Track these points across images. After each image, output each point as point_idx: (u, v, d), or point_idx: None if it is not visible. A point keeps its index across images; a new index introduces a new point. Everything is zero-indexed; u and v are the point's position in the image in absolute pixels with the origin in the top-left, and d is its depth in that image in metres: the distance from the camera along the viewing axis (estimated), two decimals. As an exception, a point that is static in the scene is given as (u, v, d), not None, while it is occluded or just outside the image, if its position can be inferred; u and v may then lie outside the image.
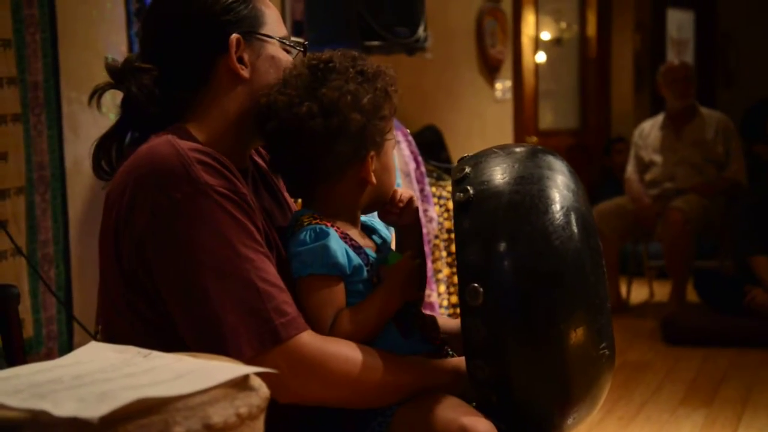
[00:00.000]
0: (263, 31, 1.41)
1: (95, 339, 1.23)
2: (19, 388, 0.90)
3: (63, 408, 0.83)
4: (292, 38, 1.47)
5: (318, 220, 1.36)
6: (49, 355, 2.86)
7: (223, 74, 1.38)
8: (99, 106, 1.41)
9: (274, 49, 1.42)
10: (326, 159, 1.36)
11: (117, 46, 3.15)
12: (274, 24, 1.43)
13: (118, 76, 1.39)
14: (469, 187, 1.31)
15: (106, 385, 0.90)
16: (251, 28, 1.39)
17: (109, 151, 1.42)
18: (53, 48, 2.98)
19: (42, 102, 2.95)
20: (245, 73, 1.38)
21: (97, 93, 1.41)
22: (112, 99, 1.49)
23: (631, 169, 5.23)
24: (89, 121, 3.06)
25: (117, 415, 0.83)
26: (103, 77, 1.44)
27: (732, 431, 3.10)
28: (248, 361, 1.19)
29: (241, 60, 1.38)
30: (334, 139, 1.34)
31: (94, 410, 0.82)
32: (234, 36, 1.37)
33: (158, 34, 1.41)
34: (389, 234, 1.50)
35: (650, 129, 5.23)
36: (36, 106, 2.93)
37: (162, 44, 1.40)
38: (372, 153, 1.38)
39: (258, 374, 0.99)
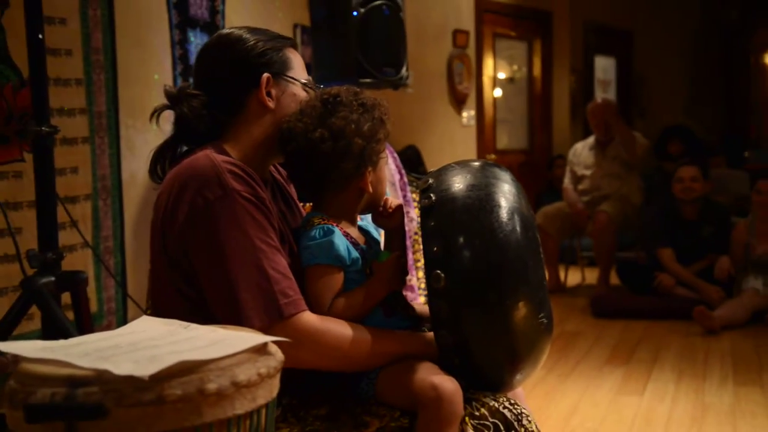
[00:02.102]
0: (290, 74, 1.41)
1: (146, 314, 1.22)
2: (87, 352, 0.90)
3: (121, 368, 0.83)
4: (312, 82, 1.46)
5: (326, 221, 1.35)
6: (109, 326, 2.85)
7: (254, 104, 1.38)
8: (158, 122, 1.40)
9: (296, 89, 1.42)
10: (334, 173, 1.35)
11: (164, 83, 3.14)
12: (298, 69, 1.43)
13: (174, 99, 1.39)
14: (432, 195, 1.31)
15: (155, 350, 0.90)
16: (280, 70, 1.40)
17: (164, 159, 1.41)
18: (114, 85, 2.98)
19: (105, 127, 2.94)
20: (272, 104, 1.38)
21: (157, 112, 1.41)
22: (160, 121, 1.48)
23: (567, 181, 5.23)
24: (142, 143, 3.06)
25: (163, 374, 0.83)
26: (152, 107, 1.44)
27: (644, 384, 3.11)
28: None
29: (269, 94, 1.38)
30: (340, 159, 1.33)
31: (145, 370, 0.83)
32: (265, 75, 1.37)
33: (207, 69, 1.41)
34: (378, 235, 1.50)
35: (582, 149, 5.24)
36: (100, 130, 2.92)
37: (209, 76, 1.40)
38: (370, 169, 1.38)
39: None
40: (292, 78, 1.41)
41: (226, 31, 1.44)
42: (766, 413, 2.74)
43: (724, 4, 8.72)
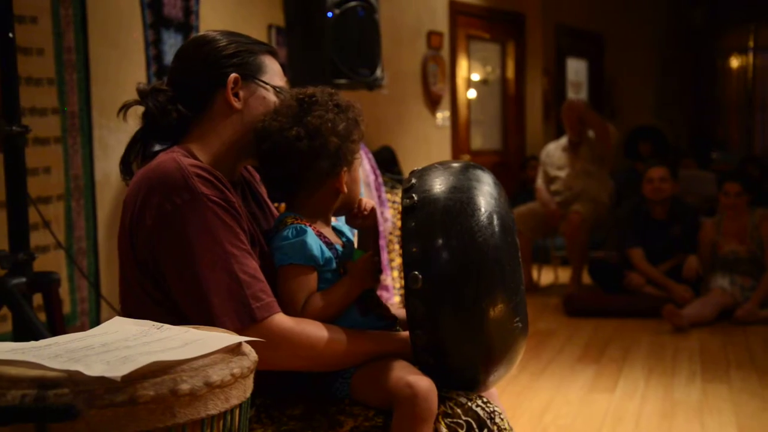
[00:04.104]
0: (261, 78, 1.39)
1: (119, 315, 1.21)
2: (58, 353, 0.89)
3: (93, 369, 0.83)
4: (285, 88, 1.44)
5: (299, 220, 1.34)
6: (82, 327, 2.82)
7: (221, 103, 1.36)
8: (125, 117, 1.37)
9: (266, 93, 1.39)
10: (309, 172, 1.34)
11: (137, 79, 3.12)
12: (273, 75, 1.41)
13: (143, 95, 1.37)
14: (414, 195, 1.29)
15: (127, 351, 0.89)
16: (250, 73, 1.38)
17: (134, 156, 1.39)
18: (87, 85, 2.94)
19: (78, 127, 2.91)
20: (238, 105, 1.36)
21: (126, 107, 1.38)
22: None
23: (540, 181, 5.26)
24: (115, 143, 3.03)
25: (136, 375, 0.83)
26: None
27: (615, 381, 3.15)
28: None
29: (236, 95, 1.36)
30: (316, 157, 1.32)
31: (117, 371, 0.82)
32: (232, 75, 1.35)
33: (179, 67, 1.40)
34: (352, 236, 1.50)
35: (554, 150, 5.26)
36: (73, 130, 2.89)
37: (180, 74, 1.39)
38: (345, 168, 1.37)
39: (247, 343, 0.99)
40: (263, 82, 1.39)
41: (203, 32, 1.43)
42: (733, 409, 2.79)
43: (692, 8, 8.87)
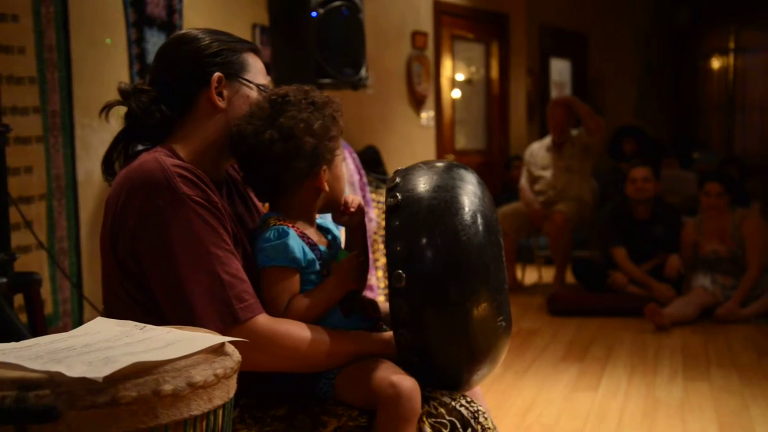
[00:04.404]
0: (245, 77, 1.38)
1: (101, 315, 1.20)
2: (40, 354, 0.89)
3: (75, 370, 0.82)
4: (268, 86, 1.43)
5: (281, 222, 1.33)
6: (65, 328, 2.80)
7: (205, 103, 1.35)
8: (107, 118, 1.36)
9: (250, 91, 1.38)
10: (286, 174, 1.32)
11: (120, 83, 3.09)
12: (256, 73, 1.40)
13: (125, 95, 1.36)
14: (398, 194, 1.29)
15: (109, 351, 0.88)
16: (234, 72, 1.37)
17: (116, 156, 1.37)
18: (68, 84, 2.93)
19: (59, 127, 2.89)
20: (222, 104, 1.35)
21: (107, 107, 1.36)
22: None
23: (523, 181, 5.27)
24: (98, 142, 3.01)
25: (118, 375, 0.82)
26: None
27: (598, 380, 3.17)
28: None
29: (220, 94, 1.35)
30: (292, 159, 1.31)
31: (99, 372, 0.81)
32: (216, 74, 1.34)
33: (161, 66, 1.38)
34: (339, 233, 1.49)
35: (538, 149, 5.27)
36: (54, 129, 2.87)
37: (163, 73, 1.37)
38: (324, 167, 1.35)
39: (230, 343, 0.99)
40: (247, 80, 1.38)
41: (185, 30, 1.42)
42: (714, 407, 2.82)
43: (675, 9, 8.94)
